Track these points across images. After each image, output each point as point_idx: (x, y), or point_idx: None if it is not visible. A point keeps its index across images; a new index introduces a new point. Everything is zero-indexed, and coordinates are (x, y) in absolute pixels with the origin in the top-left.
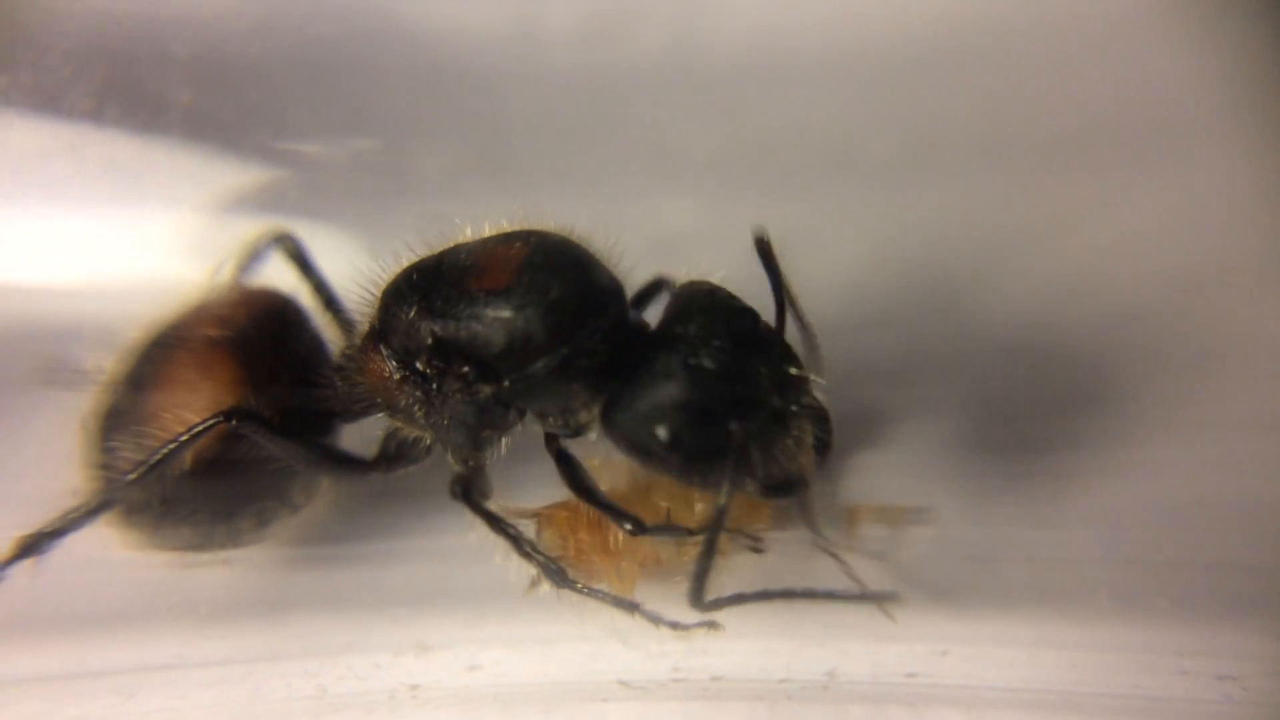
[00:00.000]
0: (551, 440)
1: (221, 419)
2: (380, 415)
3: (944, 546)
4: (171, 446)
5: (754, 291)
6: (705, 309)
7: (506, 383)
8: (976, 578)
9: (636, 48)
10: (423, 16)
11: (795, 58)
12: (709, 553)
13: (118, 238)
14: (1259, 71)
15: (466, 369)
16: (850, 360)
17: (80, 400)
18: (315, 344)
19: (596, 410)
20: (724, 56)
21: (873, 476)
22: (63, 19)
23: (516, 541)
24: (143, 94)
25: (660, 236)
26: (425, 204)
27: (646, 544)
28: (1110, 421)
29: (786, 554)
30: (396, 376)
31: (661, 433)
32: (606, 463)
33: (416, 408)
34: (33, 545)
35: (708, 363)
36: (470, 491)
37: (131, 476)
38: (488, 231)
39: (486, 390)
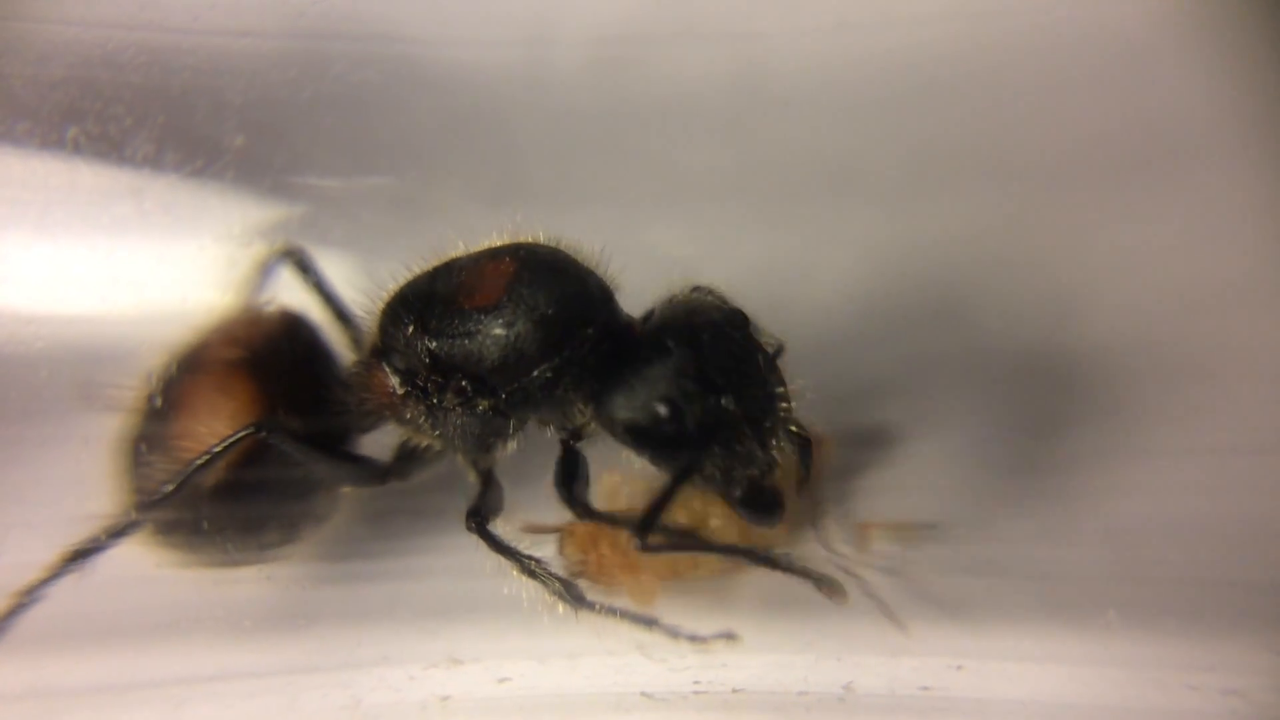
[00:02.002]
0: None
1: (252, 430)
2: (392, 426)
3: (957, 563)
4: (204, 459)
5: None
6: (696, 304)
7: (503, 395)
8: (989, 594)
9: (641, 81)
10: (452, 63)
11: (800, 83)
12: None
13: (175, 272)
14: (1262, 91)
15: (464, 384)
16: (860, 378)
17: (123, 423)
18: (328, 359)
19: (587, 414)
20: (727, 86)
21: (884, 493)
22: (127, 71)
23: (533, 568)
24: (199, 139)
25: (668, 261)
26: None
27: (666, 557)
28: (1119, 439)
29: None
30: (400, 392)
31: (661, 408)
32: (628, 479)
33: (422, 420)
34: (72, 562)
35: (706, 339)
36: (485, 524)
37: (168, 489)
38: (479, 246)
39: (484, 404)
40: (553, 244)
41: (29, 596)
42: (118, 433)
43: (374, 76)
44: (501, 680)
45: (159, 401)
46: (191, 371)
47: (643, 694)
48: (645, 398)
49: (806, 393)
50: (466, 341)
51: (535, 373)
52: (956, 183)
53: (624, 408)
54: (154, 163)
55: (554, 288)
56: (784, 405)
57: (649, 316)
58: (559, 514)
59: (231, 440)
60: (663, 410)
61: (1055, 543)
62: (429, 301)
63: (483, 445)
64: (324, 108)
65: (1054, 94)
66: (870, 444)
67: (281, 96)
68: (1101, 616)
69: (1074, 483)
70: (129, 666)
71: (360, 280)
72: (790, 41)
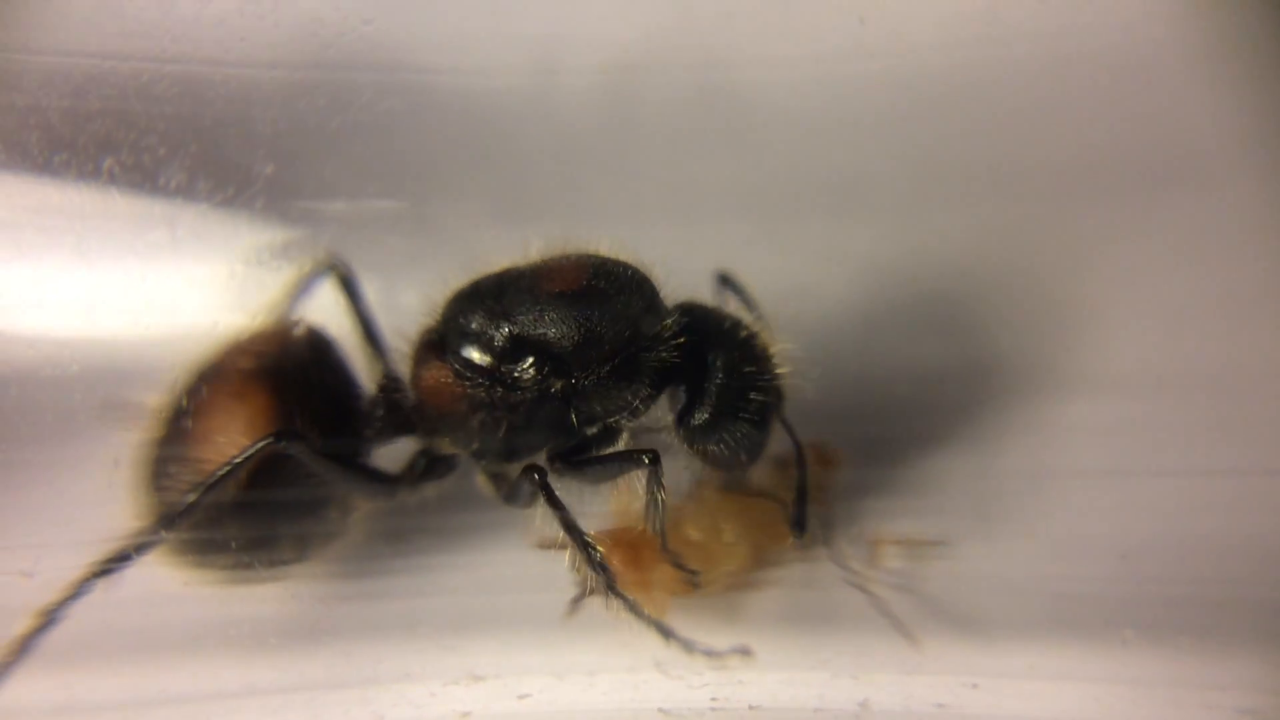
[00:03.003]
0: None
1: (271, 440)
2: (408, 439)
3: (971, 580)
4: (224, 470)
5: None
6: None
7: (575, 380)
8: (1004, 612)
9: (645, 105)
10: (469, 90)
11: (801, 102)
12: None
13: (206, 296)
14: (1263, 107)
15: (540, 366)
16: (869, 393)
17: (143, 441)
18: (344, 371)
19: (646, 410)
20: (729, 108)
21: (895, 509)
22: (161, 103)
23: (582, 535)
24: (230, 168)
25: (677, 276)
26: (472, 255)
27: (675, 576)
28: (1134, 456)
29: (812, 585)
30: (460, 383)
31: (747, 427)
32: (636, 498)
33: (474, 415)
34: (95, 578)
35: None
36: (546, 475)
37: (188, 500)
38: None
39: (559, 385)
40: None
41: (55, 614)
42: (140, 448)
43: (398, 105)
44: (521, 696)
45: (179, 416)
46: (211, 383)
47: (660, 710)
48: (731, 413)
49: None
50: (550, 322)
51: (612, 359)
52: (960, 198)
53: (710, 417)
54: (186, 191)
55: (631, 281)
56: None
57: (689, 320)
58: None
59: (251, 450)
60: (748, 430)
61: (1070, 560)
62: (507, 289)
63: (515, 447)
64: (351, 136)
65: (1054, 110)
66: (881, 460)
67: (310, 126)
68: (1118, 635)
69: (1087, 499)
70: (153, 682)
71: (385, 302)
72: (791, 66)
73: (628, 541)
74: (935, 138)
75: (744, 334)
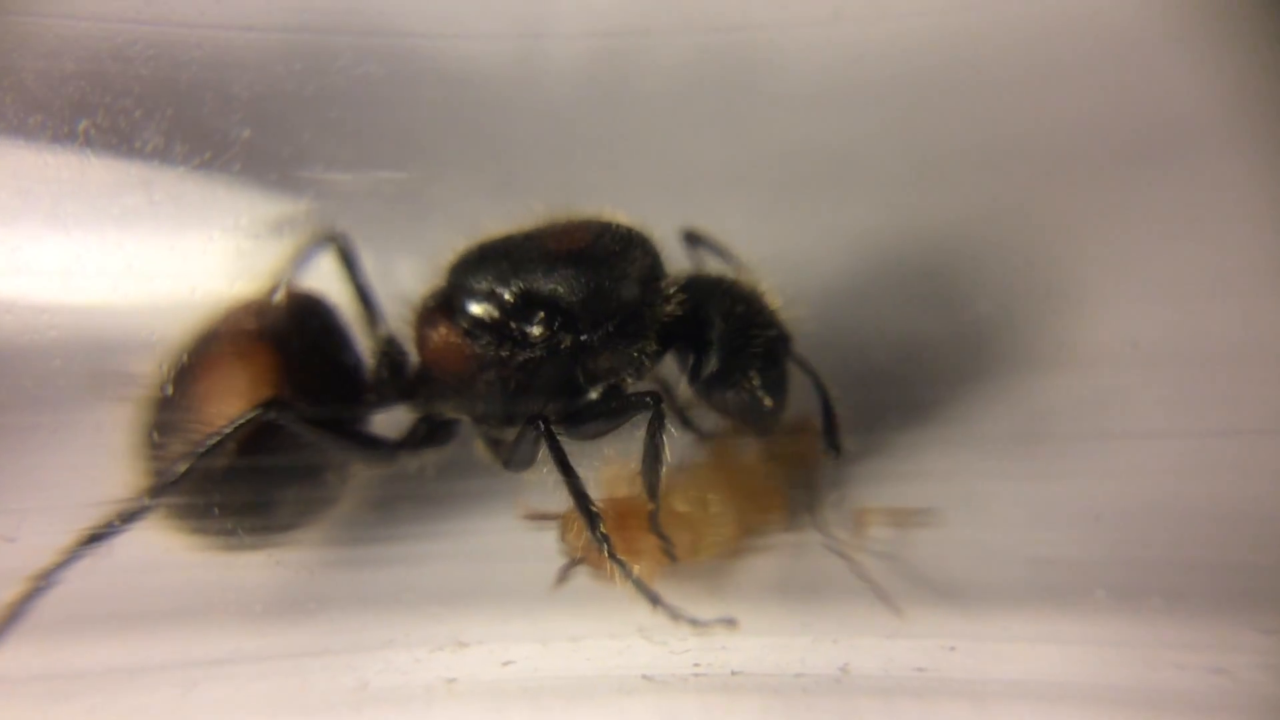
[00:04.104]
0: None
1: (260, 411)
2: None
3: (951, 546)
4: (214, 441)
5: None
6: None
7: (584, 336)
8: (981, 576)
9: (638, 72)
10: (452, 55)
11: (794, 74)
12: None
13: (183, 262)
14: (1258, 81)
15: (550, 323)
16: (857, 366)
17: (136, 409)
18: (345, 337)
19: (651, 368)
20: (722, 77)
21: (881, 479)
22: (136, 64)
23: (579, 488)
24: (207, 132)
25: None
26: (456, 226)
27: (662, 546)
28: (1109, 424)
29: (795, 553)
30: (468, 342)
31: (762, 385)
32: (625, 467)
33: (482, 374)
34: (85, 546)
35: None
36: (550, 425)
37: (179, 470)
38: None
39: (567, 341)
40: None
41: (43, 581)
42: (134, 415)
43: (377, 70)
44: (506, 663)
45: (175, 383)
46: (209, 347)
47: (644, 676)
48: (741, 355)
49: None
50: (559, 280)
51: (619, 316)
52: (952, 173)
53: (721, 364)
54: (163, 155)
55: (635, 242)
56: None
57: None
58: (559, 502)
59: (240, 421)
60: (762, 369)
61: (1045, 525)
62: (514, 249)
63: (517, 408)
64: (329, 101)
65: (1048, 84)
66: (867, 431)
67: (287, 90)
68: (1090, 597)
69: (1064, 466)
70: (141, 649)
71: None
72: (784, 33)
73: (617, 511)
74: (926, 111)
75: (735, 284)
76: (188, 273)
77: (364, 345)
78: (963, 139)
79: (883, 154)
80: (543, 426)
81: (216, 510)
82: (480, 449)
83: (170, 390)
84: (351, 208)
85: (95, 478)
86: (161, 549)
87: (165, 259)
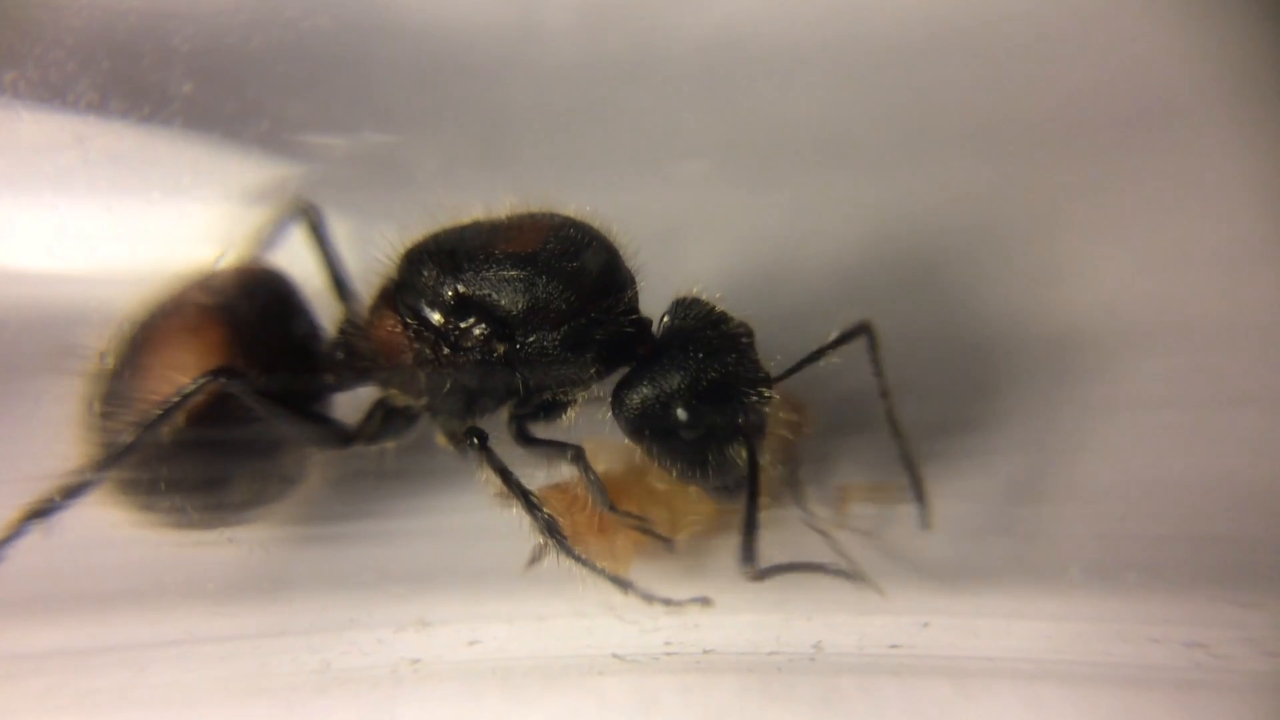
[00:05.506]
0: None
1: (209, 379)
2: (370, 388)
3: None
4: (163, 411)
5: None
6: (709, 313)
7: (519, 345)
8: (956, 552)
9: (630, 39)
10: (416, 9)
11: (788, 46)
12: (750, 519)
13: (122, 226)
14: (1247, 54)
15: (484, 327)
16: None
17: (82, 382)
18: (305, 315)
19: (594, 389)
20: (717, 46)
21: (862, 456)
22: (68, 14)
23: (529, 496)
24: (145, 87)
25: (656, 226)
26: (420, 194)
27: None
28: (1085, 399)
29: (771, 530)
30: (408, 336)
31: (680, 412)
32: (602, 443)
33: (421, 370)
34: (31, 519)
35: (725, 351)
36: (486, 441)
37: (126, 439)
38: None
39: (501, 349)
40: (587, 219)
41: None
42: (81, 387)
43: (327, 23)
44: (472, 643)
45: (123, 354)
46: (159, 319)
47: (614, 655)
48: (669, 396)
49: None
50: (498, 284)
51: (558, 328)
52: (940, 150)
53: (643, 398)
54: (98, 110)
55: (590, 250)
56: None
57: (663, 318)
58: (531, 481)
59: (189, 390)
60: (683, 414)
61: (1020, 501)
62: (462, 245)
63: (468, 407)
64: (276, 55)
65: (1035, 62)
66: (849, 408)
67: (231, 43)
68: (1065, 573)
69: (1039, 442)
70: (92, 630)
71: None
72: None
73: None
74: (916, 83)
75: (721, 320)
76: (126, 236)
77: (330, 321)
78: (952, 113)
79: (870, 127)
80: (477, 442)
81: (164, 486)
82: (439, 439)
83: (117, 361)
84: (302, 167)
85: (29, 451)
86: (109, 526)
87: (102, 222)
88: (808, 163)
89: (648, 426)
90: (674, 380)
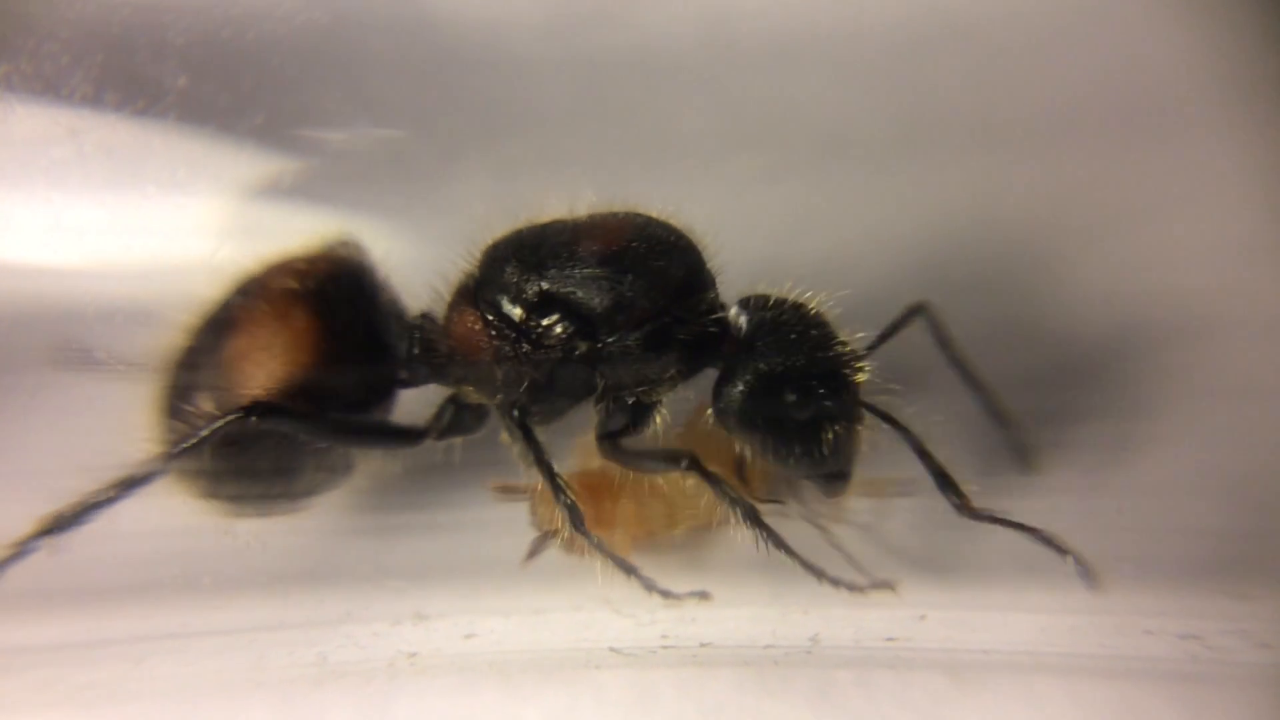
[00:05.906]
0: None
1: (241, 414)
2: (440, 385)
3: (920, 516)
4: (193, 440)
5: None
6: (787, 302)
7: (601, 344)
8: (952, 546)
9: (632, 34)
10: (406, 5)
11: (790, 41)
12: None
13: (116, 220)
14: (1250, 49)
15: (567, 325)
16: None
17: (89, 381)
18: (389, 306)
19: (674, 388)
20: (720, 41)
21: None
22: (62, 7)
23: (551, 474)
24: (140, 80)
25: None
26: (421, 187)
27: (637, 517)
28: (1080, 395)
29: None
30: (488, 333)
31: (789, 394)
32: (591, 443)
33: (499, 367)
34: (73, 518)
35: (816, 332)
36: (525, 413)
37: (170, 454)
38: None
39: (583, 347)
40: (669, 219)
41: (25, 547)
42: (161, 358)
43: (322, 18)
44: (468, 636)
45: (212, 326)
46: (249, 297)
47: (611, 649)
48: (775, 380)
49: None
50: (582, 282)
51: (641, 327)
52: (943, 145)
53: (749, 386)
54: (93, 104)
55: (674, 250)
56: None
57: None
58: (528, 476)
59: (218, 424)
60: (792, 395)
61: (1015, 495)
62: (546, 242)
63: (543, 403)
64: (270, 49)
65: (1038, 57)
66: None
67: (225, 37)
68: (1061, 565)
69: (1035, 438)
70: (90, 623)
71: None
72: None
73: (590, 485)
74: (920, 77)
75: (798, 310)
76: (121, 230)
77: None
78: (955, 108)
79: (869, 122)
80: (516, 415)
81: (231, 477)
82: (505, 438)
83: (205, 334)
84: (294, 160)
85: (25, 445)
86: (107, 520)
87: (96, 215)
88: (813, 157)
89: (758, 415)
90: (776, 364)
